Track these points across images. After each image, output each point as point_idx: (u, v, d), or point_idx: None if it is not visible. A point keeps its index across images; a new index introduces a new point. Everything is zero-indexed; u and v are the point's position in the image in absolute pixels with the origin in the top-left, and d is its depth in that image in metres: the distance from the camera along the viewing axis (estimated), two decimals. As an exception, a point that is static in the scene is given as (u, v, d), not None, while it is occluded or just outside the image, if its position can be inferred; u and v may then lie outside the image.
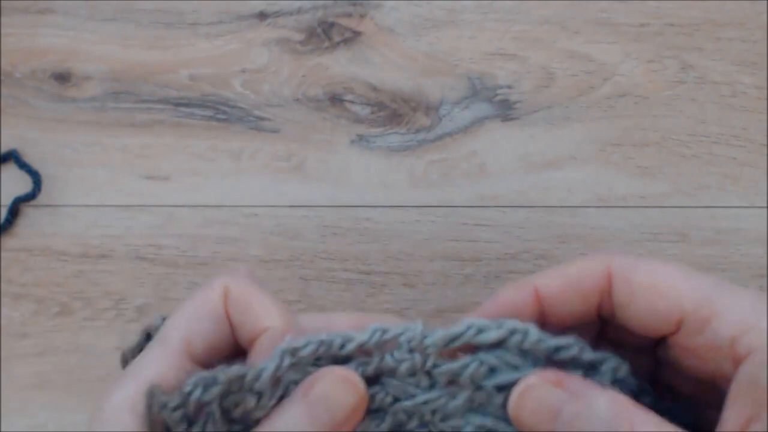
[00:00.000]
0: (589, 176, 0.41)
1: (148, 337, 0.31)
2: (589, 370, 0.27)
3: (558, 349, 0.27)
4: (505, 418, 0.28)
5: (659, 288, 0.26)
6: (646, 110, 0.41)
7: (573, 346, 0.27)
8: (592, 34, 0.42)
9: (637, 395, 0.26)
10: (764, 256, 0.40)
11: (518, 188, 0.41)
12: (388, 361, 0.28)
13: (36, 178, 0.42)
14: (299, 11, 0.42)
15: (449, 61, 0.42)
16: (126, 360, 0.32)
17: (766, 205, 0.40)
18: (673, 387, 0.29)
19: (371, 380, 0.29)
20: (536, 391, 0.26)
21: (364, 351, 0.28)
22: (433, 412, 0.29)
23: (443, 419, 0.29)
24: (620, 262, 0.27)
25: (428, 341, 0.28)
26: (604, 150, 0.41)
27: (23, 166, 0.42)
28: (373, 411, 0.29)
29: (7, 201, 0.42)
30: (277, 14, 0.43)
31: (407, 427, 0.29)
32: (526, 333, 0.27)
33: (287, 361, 0.27)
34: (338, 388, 0.27)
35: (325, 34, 0.42)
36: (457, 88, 0.42)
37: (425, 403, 0.28)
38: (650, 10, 0.42)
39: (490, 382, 0.27)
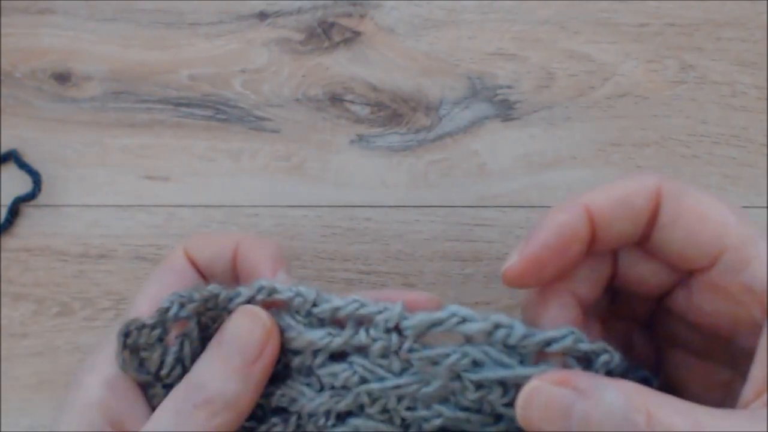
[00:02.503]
0: (589, 176, 0.41)
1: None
2: (584, 363, 0.26)
3: (549, 342, 0.26)
4: (479, 412, 0.27)
5: (707, 216, 0.25)
6: (646, 110, 0.41)
7: (567, 336, 0.26)
8: (592, 34, 0.42)
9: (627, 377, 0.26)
10: (764, 256, 0.40)
11: (518, 188, 0.41)
12: (362, 337, 0.27)
13: (36, 178, 0.42)
14: (299, 11, 0.42)
15: (449, 61, 0.42)
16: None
17: (766, 205, 0.40)
18: (673, 340, 0.28)
19: (339, 356, 0.28)
20: (543, 391, 0.25)
21: (337, 320, 0.28)
22: (399, 399, 0.27)
23: (409, 408, 0.27)
24: (672, 183, 0.26)
25: (407, 323, 0.27)
26: (604, 150, 0.41)
27: (23, 166, 0.42)
28: (336, 388, 0.28)
29: (7, 201, 0.42)
30: (277, 14, 0.43)
31: (367, 411, 0.28)
32: (511, 328, 0.26)
33: (261, 296, 0.28)
34: (245, 322, 0.28)
35: (325, 34, 0.42)
36: (457, 88, 0.42)
37: (395, 388, 0.27)
38: (650, 10, 0.42)
39: (472, 376, 0.26)
